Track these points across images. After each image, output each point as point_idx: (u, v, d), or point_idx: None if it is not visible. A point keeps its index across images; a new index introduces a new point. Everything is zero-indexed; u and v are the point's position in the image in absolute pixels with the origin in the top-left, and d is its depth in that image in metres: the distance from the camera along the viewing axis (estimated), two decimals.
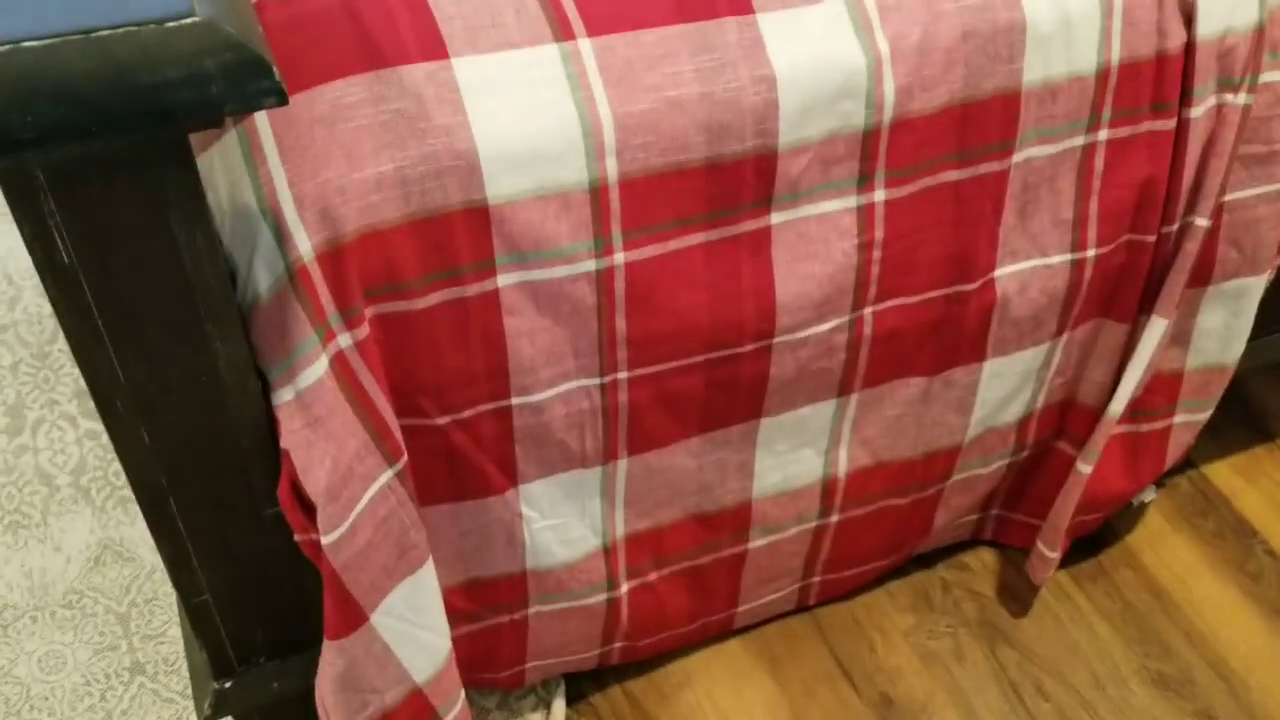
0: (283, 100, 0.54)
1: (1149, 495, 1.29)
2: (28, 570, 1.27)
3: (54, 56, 0.51)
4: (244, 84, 0.53)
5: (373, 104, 0.74)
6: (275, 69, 0.54)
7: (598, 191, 0.80)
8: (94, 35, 0.51)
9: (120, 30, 0.52)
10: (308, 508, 0.74)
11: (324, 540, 0.74)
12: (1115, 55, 0.92)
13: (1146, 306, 1.05)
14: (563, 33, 0.79)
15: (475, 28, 0.78)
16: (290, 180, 0.72)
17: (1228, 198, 1.02)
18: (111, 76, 0.52)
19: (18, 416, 1.42)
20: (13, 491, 1.34)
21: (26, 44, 0.51)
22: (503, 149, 0.77)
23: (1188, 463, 1.36)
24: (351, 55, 0.76)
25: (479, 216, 0.77)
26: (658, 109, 0.80)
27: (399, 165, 0.74)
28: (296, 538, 0.75)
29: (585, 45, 0.79)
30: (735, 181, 0.84)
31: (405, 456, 0.80)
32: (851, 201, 0.88)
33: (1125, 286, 1.03)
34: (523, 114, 0.77)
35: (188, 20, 0.53)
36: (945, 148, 0.89)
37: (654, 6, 0.82)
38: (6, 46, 0.50)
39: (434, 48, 0.77)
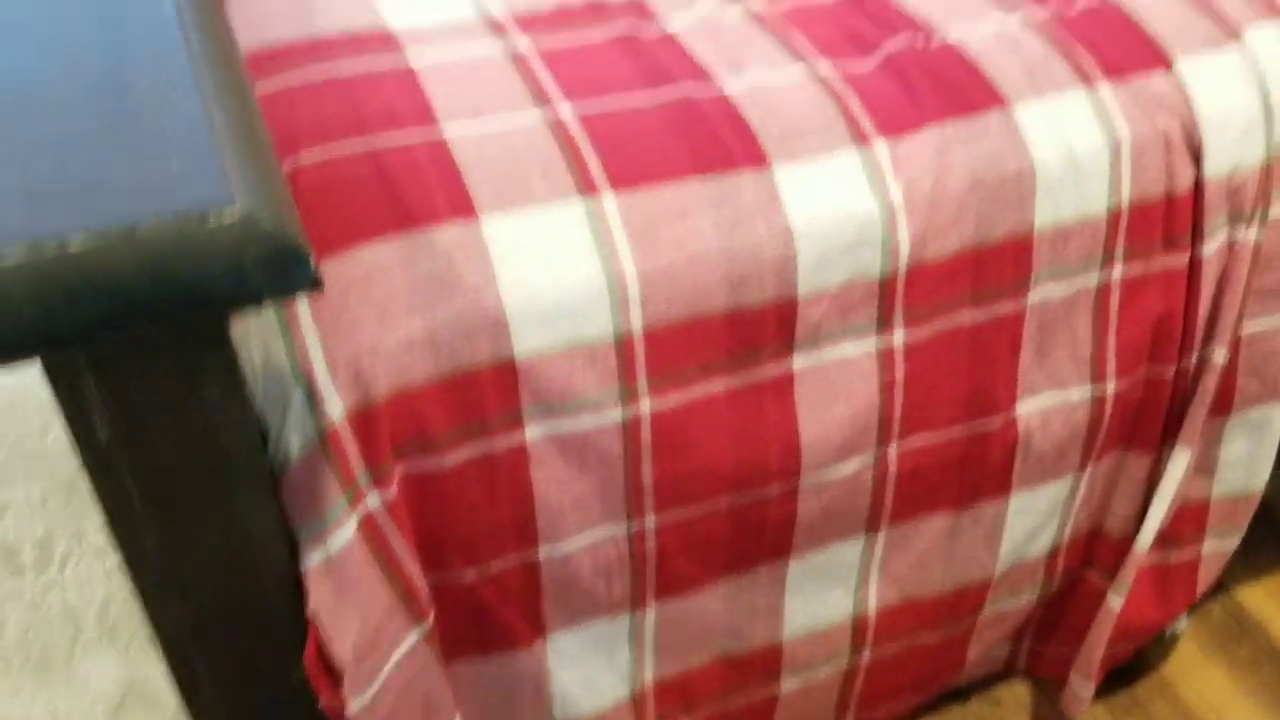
0: (318, 288, 0.56)
1: (1181, 624, 1.27)
2: (53, 712, 1.26)
3: (99, 258, 0.52)
4: (282, 275, 0.55)
5: (404, 266, 0.77)
6: (312, 258, 0.56)
7: (623, 343, 0.81)
8: (138, 234, 0.53)
9: (163, 225, 0.54)
10: (334, 672, 0.74)
11: (351, 706, 0.74)
12: (1125, 197, 0.94)
13: (1169, 438, 1.05)
14: (587, 187, 0.82)
15: (502, 184, 0.81)
16: (323, 343, 0.74)
17: (1245, 330, 1.03)
18: (155, 275, 0.53)
19: (46, 550, 1.42)
20: (40, 630, 1.34)
21: (72, 247, 0.53)
22: (530, 305, 0.78)
23: (1219, 586, 1.34)
24: (383, 217, 0.78)
25: (507, 372, 0.79)
26: (679, 262, 0.82)
27: (429, 326, 0.76)
28: (322, 704, 0.75)
29: (609, 200, 0.82)
30: (757, 329, 0.85)
31: (432, 614, 0.80)
32: (871, 345, 0.90)
33: (1147, 419, 1.03)
34: (550, 271, 0.79)
35: (229, 211, 0.55)
36: (961, 291, 0.91)
37: (673, 159, 0.84)
38: (53, 249, 0.52)
39: (462, 206, 0.79)
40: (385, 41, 0.93)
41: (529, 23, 0.97)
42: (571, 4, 1.00)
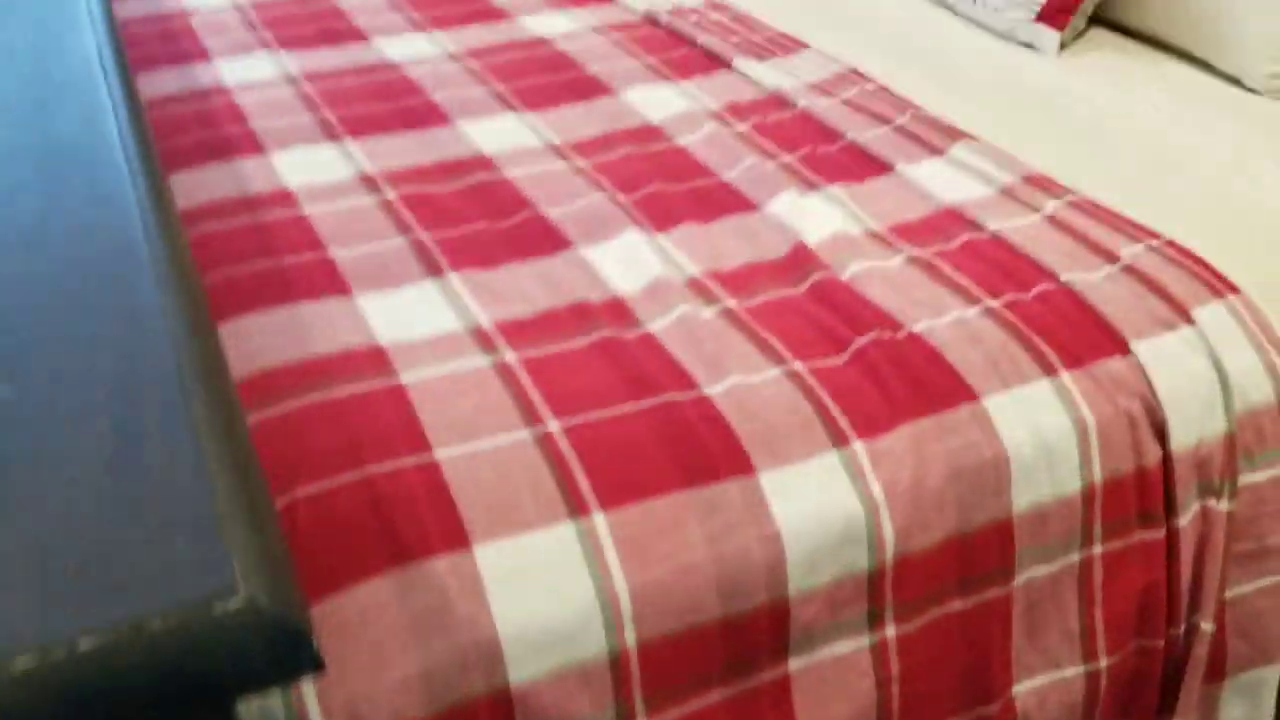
0: (320, 669, 0.57)
1: None
2: None
3: (108, 658, 0.53)
4: (287, 660, 0.56)
5: (399, 602, 0.77)
6: (315, 641, 0.57)
7: (618, 662, 0.82)
8: (145, 629, 0.54)
9: (169, 617, 0.55)
10: None
11: None
12: (1097, 475, 0.97)
13: (1166, 709, 1.04)
14: (578, 508, 0.84)
15: (494, 510, 0.83)
16: (319, 693, 0.74)
17: (1229, 594, 1.04)
18: (162, 670, 0.54)
19: None
20: None
21: (81, 646, 0.53)
22: (524, 632, 0.79)
23: None
24: (378, 553, 0.79)
25: (503, 701, 0.79)
26: (671, 576, 0.83)
27: (424, 663, 0.76)
28: None
29: (599, 520, 0.83)
30: (751, 635, 0.86)
31: None
32: (864, 641, 0.90)
33: (1142, 691, 1.03)
34: (543, 595, 0.80)
35: (234, 600, 0.56)
36: (948, 580, 0.92)
37: (661, 473, 0.87)
38: (61, 652, 0.53)
39: (455, 536, 0.81)
40: (376, 359, 0.97)
41: (515, 332, 1.01)
42: (556, 307, 1.04)
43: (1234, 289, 1.07)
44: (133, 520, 0.62)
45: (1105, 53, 1.62)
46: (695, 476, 0.87)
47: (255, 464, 0.71)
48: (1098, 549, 0.98)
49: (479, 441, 0.88)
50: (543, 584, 0.80)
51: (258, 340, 0.99)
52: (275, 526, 0.66)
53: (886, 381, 0.95)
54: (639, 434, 0.89)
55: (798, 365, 0.96)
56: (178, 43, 1.61)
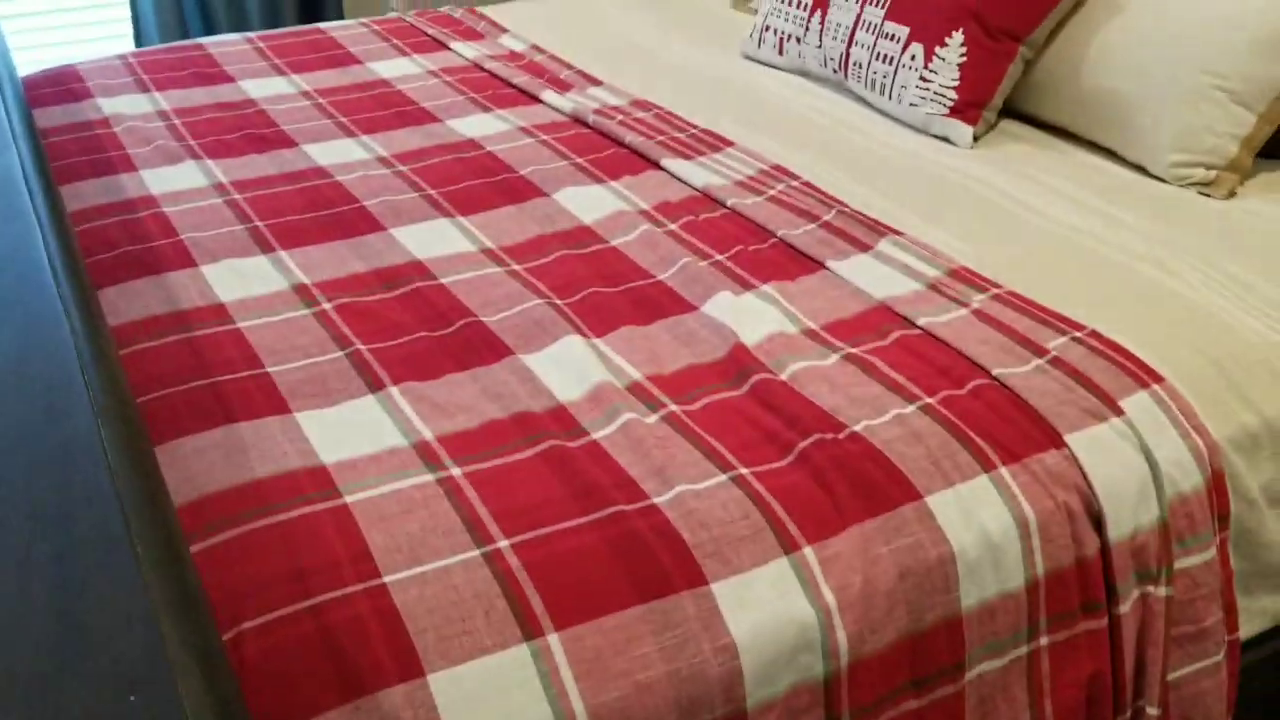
0: None
1: None
2: None
3: None
4: None
5: None
6: None
7: None
8: None
9: None
10: None
11: None
12: (1040, 569, 0.98)
13: None
14: (532, 629, 0.83)
15: (447, 636, 0.82)
16: None
17: (1171, 677, 1.06)
18: None
19: None
20: None
21: None
22: None
23: None
24: (329, 686, 0.77)
25: None
26: (628, 694, 0.82)
27: None
28: None
29: (554, 640, 0.83)
30: None
31: None
32: None
33: None
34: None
35: None
36: (901, 680, 0.93)
37: (614, 589, 0.86)
38: None
39: (409, 665, 0.79)
40: (318, 479, 0.95)
41: (458, 445, 1.00)
42: (499, 418, 1.04)
43: (1158, 378, 1.10)
44: (81, 676, 0.60)
45: (1018, 144, 1.68)
46: (648, 591, 0.86)
47: (203, 603, 0.69)
48: (1044, 640, 0.99)
49: (428, 564, 0.87)
50: (499, 709, 0.79)
51: (196, 463, 0.97)
52: (226, 669, 0.64)
53: (832, 484, 0.96)
54: (590, 548, 0.89)
55: (744, 470, 0.97)
56: (102, 151, 1.59)
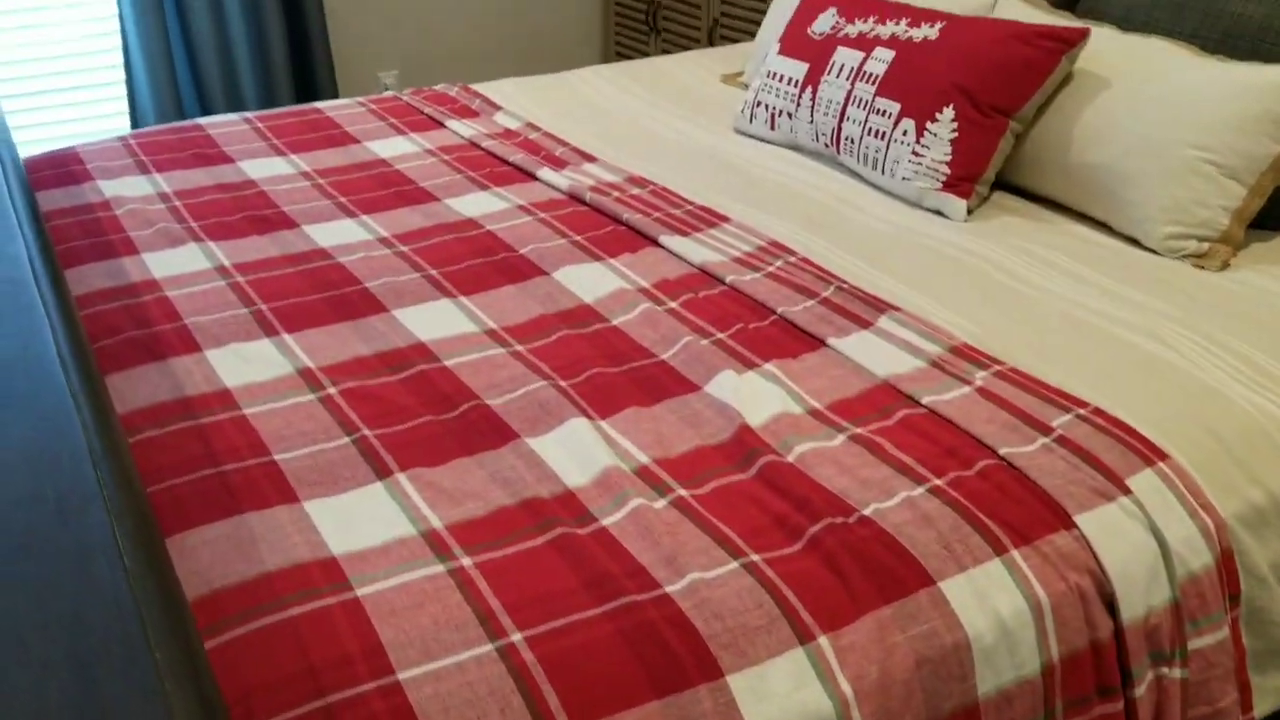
0: None
1: None
2: None
3: None
4: None
5: None
6: None
7: None
8: None
9: None
10: None
11: None
12: (1055, 653, 0.98)
13: None
14: None
15: None
16: None
17: None
18: None
19: None
20: None
21: None
22: None
23: None
24: None
25: None
26: None
27: None
28: None
29: None
30: None
31: None
32: None
33: None
34: None
35: None
36: None
37: (630, 684, 0.85)
38: None
39: None
40: (329, 571, 0.95)
41: (468, 534, 1.00)
42: (508, 505, 1.04)
43: (1163, 455, 1.11)
44: None
45: (1011, 217, 1.70)
46: (664, 685, 0.86)
47: (220, 709, 0.68)
48: None
49: (442, 660, 0.86)
50: None
51: (205, 556, 0.96)
52: None
53: (844, 570, 0.96)
54: (604, 641, 0.88)
55: (755, 557, 0.97)
56: (104, 235, 1.60)
